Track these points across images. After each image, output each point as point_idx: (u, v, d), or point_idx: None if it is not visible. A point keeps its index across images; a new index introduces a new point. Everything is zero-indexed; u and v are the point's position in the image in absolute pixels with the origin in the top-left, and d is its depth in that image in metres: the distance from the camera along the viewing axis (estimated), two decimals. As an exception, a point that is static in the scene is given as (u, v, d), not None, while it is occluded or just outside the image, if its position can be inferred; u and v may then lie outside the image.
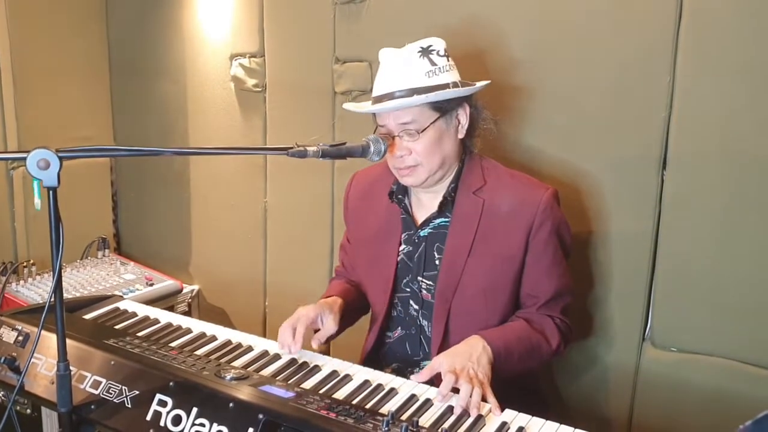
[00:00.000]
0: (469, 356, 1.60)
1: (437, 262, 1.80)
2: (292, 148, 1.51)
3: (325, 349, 2.07)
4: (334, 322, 1.77)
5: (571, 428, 1.39)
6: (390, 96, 1.69)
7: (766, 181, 1.81)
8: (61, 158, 1.28)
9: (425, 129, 1.70)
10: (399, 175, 1.77)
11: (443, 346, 1.77)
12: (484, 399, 1.49)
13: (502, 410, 1.47)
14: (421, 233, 1.83)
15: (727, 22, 1.80)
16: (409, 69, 1.69)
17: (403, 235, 1.86)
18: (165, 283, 2.96)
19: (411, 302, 1.86)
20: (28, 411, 1.68)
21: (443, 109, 1.72)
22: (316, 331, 1.78)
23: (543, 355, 1.77)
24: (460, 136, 1.78)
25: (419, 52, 1.71)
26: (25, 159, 1.27)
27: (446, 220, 1.80)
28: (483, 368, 1.58)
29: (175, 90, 3.10)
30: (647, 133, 1.95)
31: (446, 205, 1.79)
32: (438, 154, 1.73)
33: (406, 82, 1.68)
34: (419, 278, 1.83)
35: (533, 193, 1.75)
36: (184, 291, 3.04)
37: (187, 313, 3.01)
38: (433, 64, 1.70)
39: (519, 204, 1.75)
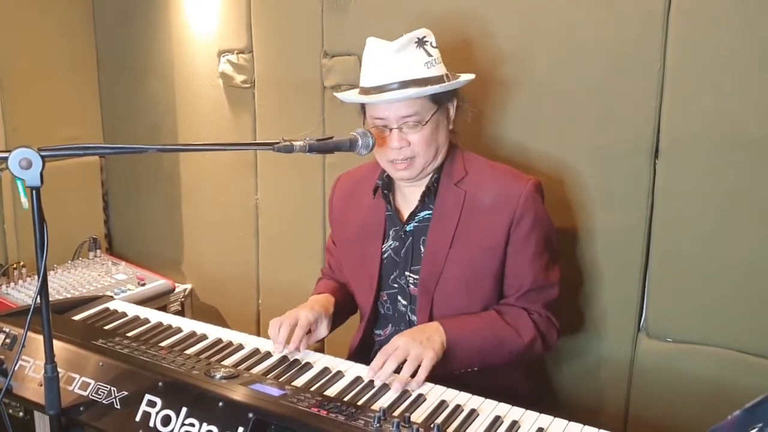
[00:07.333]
0: (420, 332, 1.62)
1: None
2: (278, 143, 1.49)
3: (319, 347, 2.05)
4: (326, 328, 1.79)
5: (566, 421, 1.38)
6: (389, 87, 1.66)
7: (760, 168, 1.80)
8: (43, 157, 1.26)
9: (428, 121, 1.69)
10: (394, 169, 1.74)
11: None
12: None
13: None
14: (407, 228, 1.81)
15: (717, 8, 1.79)
16: (406, 60, 1.67)
17: (389, 232, 1.84)
18: (157, 283, 2.94)
19: (399, 298, 1.85)
20: (21, 414, 1.67)
21: (440, 101, 1.71)
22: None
23: (513, 349, 1.73)
24: (451, 127, 1.78)
25: (416, 42, 1.68)
26: (6, 159, 1.25)
27: (430, 213, 1.79)
28: (432, 344, 1.59)
29: (163, 87, 3.07)
30: (639, 122, 1.94)
31: (428, 196, 1.78)
32: (434, 146, 1.72)
33: (405, 73, 1.66)
34: (406, 273, 1.82)
35: (514, 184, 1.74)
36: (177, 290, 3.02)
37: (180, 313, 3.00)
38: (429, 55, 1.69)
39: (500, 195, 1.73)
